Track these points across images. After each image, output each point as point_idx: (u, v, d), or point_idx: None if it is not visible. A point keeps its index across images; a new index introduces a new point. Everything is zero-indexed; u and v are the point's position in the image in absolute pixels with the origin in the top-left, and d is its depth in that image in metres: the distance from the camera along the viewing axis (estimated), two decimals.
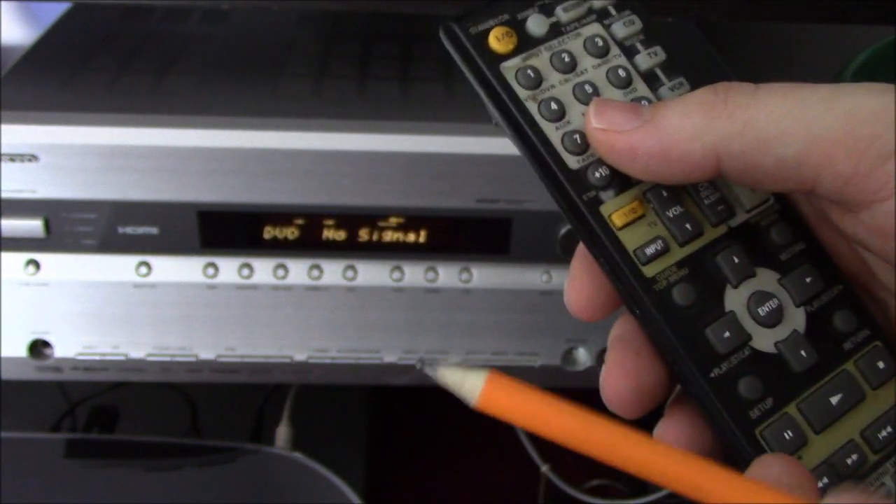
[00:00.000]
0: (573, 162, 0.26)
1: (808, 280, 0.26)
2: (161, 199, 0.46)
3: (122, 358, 0.50)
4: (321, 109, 0.49)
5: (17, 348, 0.49)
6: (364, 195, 0.47)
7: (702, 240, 0.26)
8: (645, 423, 0.26)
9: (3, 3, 0.76)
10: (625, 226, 0.26)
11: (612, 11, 0.28)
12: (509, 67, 0.26)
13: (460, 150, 0.46)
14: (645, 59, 0.27)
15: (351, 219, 0.48)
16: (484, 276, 0.49)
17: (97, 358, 0.50)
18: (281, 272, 0.49)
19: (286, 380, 0.53)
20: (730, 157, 0.23)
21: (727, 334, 0.25)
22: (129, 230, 0.47)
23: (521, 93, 0.26)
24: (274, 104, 0.50)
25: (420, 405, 0.80)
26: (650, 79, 0.27)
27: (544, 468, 0.59)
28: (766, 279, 0.26)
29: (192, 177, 0.46)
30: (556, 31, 0.27)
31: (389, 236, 0.48)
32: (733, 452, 0.25)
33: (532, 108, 0.26)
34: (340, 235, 0.48)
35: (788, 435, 0.25)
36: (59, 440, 0.58)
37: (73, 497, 0.55)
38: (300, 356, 0.51)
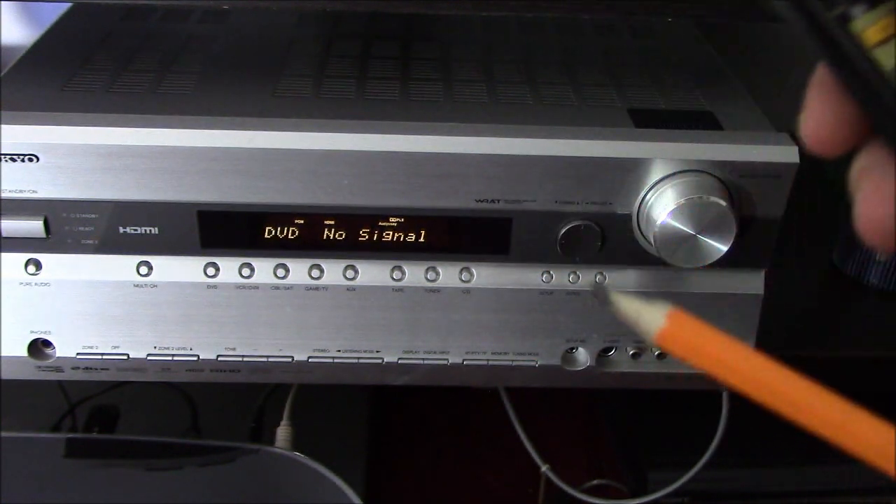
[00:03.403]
0: None
1: None
2: (161, 199, 0.46)
3: (122, 358, 0.50)
4: (321, 109, 0.49)
5: (17, 348, 0.49)
6: (364, 195, 0.47)
7: None
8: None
9: (3, 3, 0.76)
10: (880, 42, 0.23)
11: None
12: None
13: (460, 150, 0.46)
14: None
15: (351, 219, 0.48)
16: (484, 276, 0.49)
17: (97, 358, 0.50)
18: (281, 272, 0.49)
19: (286, 380, 0.53)
20: None
21: None
22: (130, 230, 0.47)
23: None
24: (274, 104, 0.50)
25: (420, 405, 0.80)
26: None
27: (544, 468, 0.59)
28: None
29: (192, 177, 0.46)
30: None
31: (389, 236, 0.48)
32: None
33: None
34: (340, 235, 0.48)
35: None
36: (59, 440, 0.58)
37: (73, 497, 0.55)
38: (300, 356, 0.51)
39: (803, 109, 0.25)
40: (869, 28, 0.23)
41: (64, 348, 0.50)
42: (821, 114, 0.25)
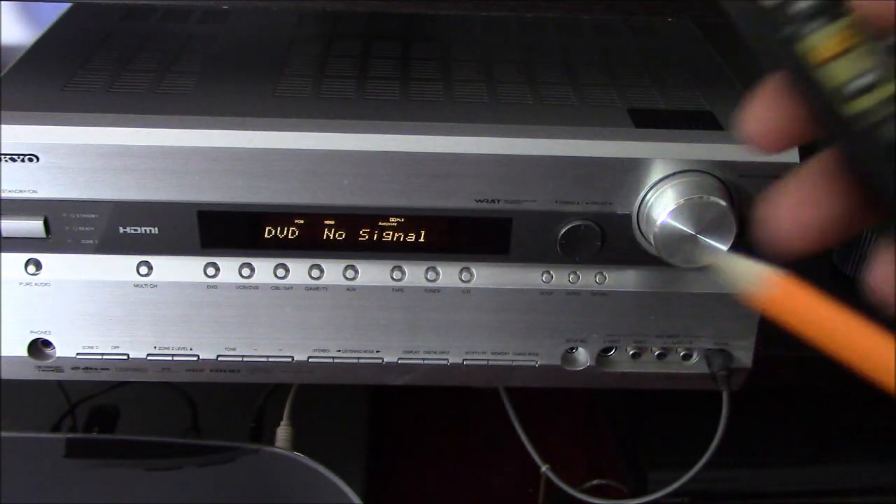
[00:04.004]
0: None
1: None
2: (161, 199, 0.46)
3: (122, 358, 0.50)
4: (321, 109, 0.49)
5: (17, 348, 0.49)
6: (364, 195, 0.47)
7: None
8: None
9: (3, 3, 0.76)
10: (826, 61, 0.24)
11: None
12: None
13: (460, 150, 0.46)
14: None
15: (351, 219, 0.48)
16: (484, 276, 0.49)
17: (97, 358, 0.50)
18: (281, 272, 0.49)
19: (286, 380, 0.53)
20: None
21: None
22: (130, 230, 0.47)
23: None
24: (274, 104, 0.50)
25: (420, 405, 0.80)
26: None
27: (544, 468, 0.59)
28: None
29: (192, 177, 0.46)
30: None
31: (389, 236, 0.48)
32: None
33: None
34: (340, 235, 0.48)
35: None
36: (59, 440, 0.58)
37: (73, 497, 0.55)
38: (300, 356, 0.51)
39: (749, 107, 0.25)
40: (822, 44, 0.24)
41: (64, 348, 0.50)
42: (767, 110, 0.25)
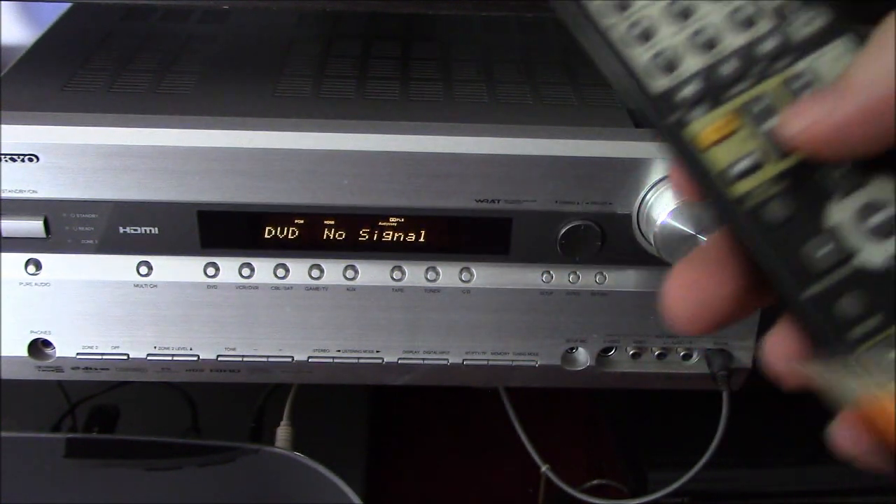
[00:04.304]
0: (659, 84, 0.25)
1: None
2: (161, 199, 0.46)
3: (122, 358, 0.50)
4: (321, 109, 0.49)
5: (17, 348, 0.49)
6: (364, 195, 0.47)
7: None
8: None
9: (3, 3, 0.76)
10: (711, 145, 0.25)
11: None
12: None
13: (460, 150, 0.46)
14: None
15: (351, 219, 0.48)
16: (484, 276, 0.49)
17: (97, 358, 0.50)
18: (281, 272, 0.49)
19: (286, 380, 0.53)
20: None
21: (824, 251, 0.24)
22: (130, 230, 0.47)
23: (605, 21, 0.25)
24: (274, 104, 0.50)
25: (420, 405, 0.80)
26: None
27: (544, 468, 0.59)
28: (880, 186, 0.24)
29: (192, 177, 0.46)
30: None
31: (389, 236, 0.48)
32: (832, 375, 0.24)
33: (616, 34, 0.25)
34: (340, 235, 0.48)
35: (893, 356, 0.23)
36: (59, 440, 0.58)
37: (73, 497, 0.55)
38: (300, 356, 0.51)
39: (666, 288, 0.25)
40: (707, 128, 0.25)
41: (64, 348, 0.50)
42: (688, 290, 0.25)
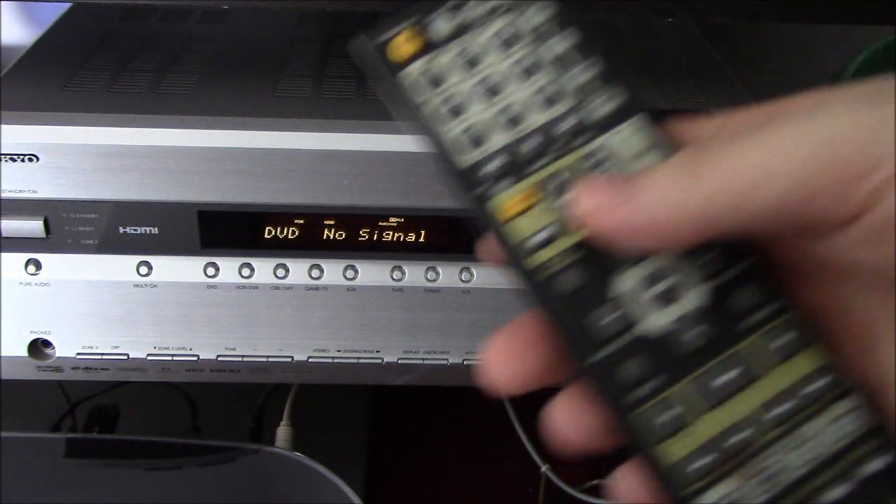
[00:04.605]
0: (465, 159, 0.26)
1: (711, 255, 0.26)
2: (161, 199, 0.46)
3: (122, 358, 0.50)
4: (321, 109, 0.49)
5: (17, 348, 0.49)
6: (364, 195, 0.47)
7: None
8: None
9: (3, 3, 0.76)
10: (511, 218, 0.26)
11: (525, 1, 0.27)
12: (409, 73, 0.27)
13: None
14: (555, 46, 0.27)
15: (351, 219, 0.48)
16: (484, 276, 0.49)
17: (97, 358, 0.50)
18: (281, 272, 0.49)
19: (286, 380, 0.53)
20: (715, 219, 0.23)
21: (609, 319, 0.25)
22: (130, 230, 0.47)
23: (418, 97, 0.27)
24: (274, 104, 0.50)
25: (420, 405, 0.80)
26: (559, 65, 0.27)
27: (544, 468, 0.59)
28: (664, 257, 0.26)
29: (192, 177, 0.46)
30: (462, 29, 0.27)
31: (389, 236, 0.48)
32: (620, 437, 0.25)
33: (427, 109, 0.27)
34: (340, 235, 0.48)
35: (667, 418, 0.25)
36: (59, 440, 0.58)
37: (73, 497, 0.55)
38: (300, 356, 0.51)
39: (490, 350, 0.26)
40: (508, 202, 0.26)
41: (64, 348, 0.50)
42: (511, 351, 0.26)
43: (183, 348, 0.50)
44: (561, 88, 0.27)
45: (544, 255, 0.26)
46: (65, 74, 0.52)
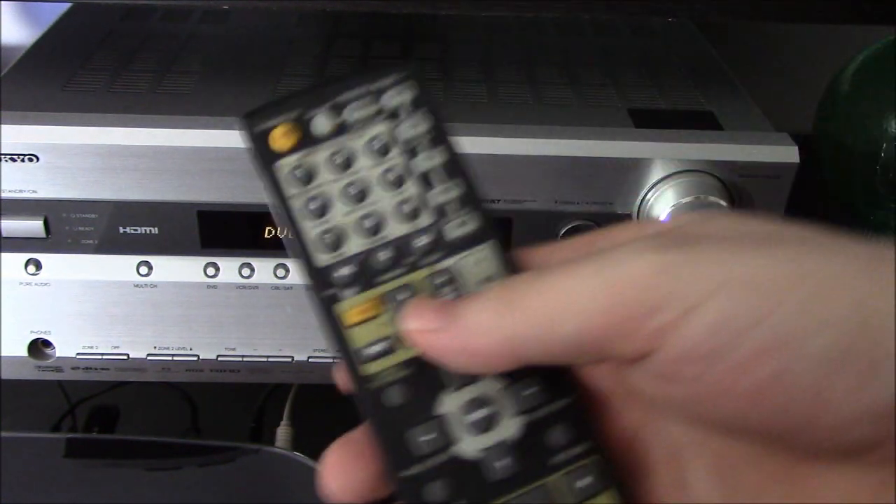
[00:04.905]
0: (322, 259, 0.27)
1: (533, 390, 0.26)
2: (161, 199, 0.46)
3: (122, 358, 0.50)
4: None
5: (17, 348, 0.49)
6: None
7: None
8: None
9: (3, 3, 0.76)
10: (355, 324, 0.26)
11: (405, 111, 0.28)
12: (284, 165, 0.27)
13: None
14: (424, 161, 0.28)
15: None
16: None
17: (97, 358, 0.50)
18: (281, 272, 0.49)
19: (286, 380, 0.53)
20: (523, 347, 0.24)
21: (427, 437, 0.26)
22: (130, 230, 0.47)
23: (289, 190, 0.27)
24: None
25: None
26: (426, 181, 0.28)
27: None
28: (489, 385, 0.26)
29: (192, 177, 0.46)
30: (341, 129, 0.28)
31: None
32: None
33: (295, 204, 0.27)
34: None
35: None
36: (59, 440, 0.58)
37: (73, 497, 0.55)
38: (300, 356, 0.51)
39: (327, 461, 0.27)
40: (352, 309, 0.26)
41: (64, 348, 0.50)
42: (345, 463, 0.27)
43: (183, 348, 0.50)
44: (423, 204, 0.27)
45: (377, 366, 0.26)
46: (65, 74, 0.52)
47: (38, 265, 0.48)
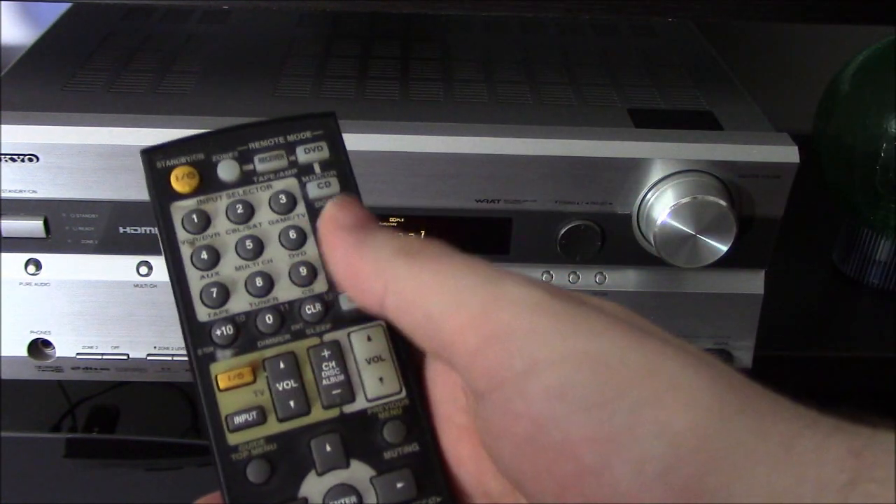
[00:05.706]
0: (204, 314, 0.26)
1: (401, 485, 0.25)
2: None
3: (122, 358, 0.50)
4: (321, 109, 0.49)
5: (17, 348, 0.49)
6: (363, 195, 0.47)
7: (305, 419, 0.25)
8: None
9: (3, 3, 0.76)
10: (229, 388, 0.25)
11: (316, 169, 0.27)
12: (180, 207, 0.26)
13: (460, 150, 0.46)
14: None
15: None
16: None
17: (97, 358, 0.50)
18: None
19: None
20: (394, 294, 0.24)
21: None
22: (130, 230, 0.47)
23: (181, 235, 0.26)
24: (274, 104, 0.50)
25: None
26: None
27: None
28: (358, 473, 0.25)
29: None
30: (247, 178, 0.26)
31: None
32: None
33: (186, 251, 0.26)
34: None
35: None
36: (59, 440, 0.58)
37: (73, 497, 0.55)
38: None
39: None
40: (226, 372, 0.25)
41: (64, 348, 0.50)
42: None
43: (183, 348, 0.50)
44: (321, 269, 0.26)
45: (244, 436, 0.25)
46: (65, 74, 0.52)
47: (38, 265, 0.48)
